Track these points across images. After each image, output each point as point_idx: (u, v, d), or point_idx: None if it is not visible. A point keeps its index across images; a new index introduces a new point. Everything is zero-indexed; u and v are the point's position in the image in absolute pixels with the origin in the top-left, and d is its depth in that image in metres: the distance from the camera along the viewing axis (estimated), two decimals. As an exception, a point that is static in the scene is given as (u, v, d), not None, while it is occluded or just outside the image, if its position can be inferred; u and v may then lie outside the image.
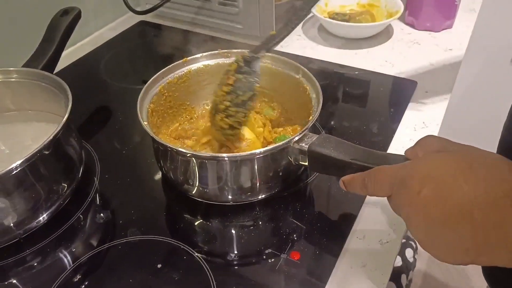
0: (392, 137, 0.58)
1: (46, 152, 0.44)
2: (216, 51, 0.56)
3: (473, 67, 1.26)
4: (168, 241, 0.46)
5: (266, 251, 0.44)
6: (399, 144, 0.57)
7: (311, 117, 0.47)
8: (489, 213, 0.30)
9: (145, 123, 0.47)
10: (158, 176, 0.54)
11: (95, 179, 0.53)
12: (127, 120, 0.63)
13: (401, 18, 0.82)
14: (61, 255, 0.45)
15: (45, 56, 0.57)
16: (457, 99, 1.33)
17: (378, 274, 0.42)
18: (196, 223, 0.49)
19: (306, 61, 0.73)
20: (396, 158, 0.41)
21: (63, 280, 0.43)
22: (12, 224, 0.44)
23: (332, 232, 0.46)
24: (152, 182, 0.54)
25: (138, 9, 0.82)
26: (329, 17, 0.79)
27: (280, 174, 0.47)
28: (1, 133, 0.55)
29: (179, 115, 0.57)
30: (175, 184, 0.49)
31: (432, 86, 0.66)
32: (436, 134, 0.58)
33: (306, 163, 0.45)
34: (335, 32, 0.79)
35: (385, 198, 0.38)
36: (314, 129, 0.55)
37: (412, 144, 0.40)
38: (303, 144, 0.44)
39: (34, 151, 0.42)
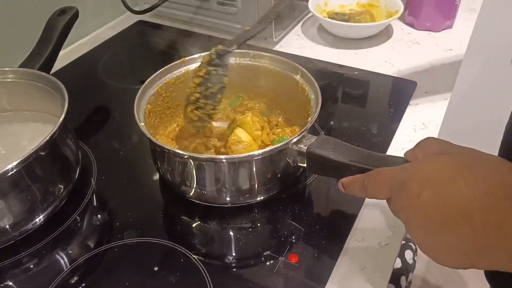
0: (392, 138, 0.57)
1: (42, 153, 0.44)
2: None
3: (474, 67, 1.26)
4: (165, 243, 0.45)
5: (264, 254, 0.44)
6: (398, 145, 0.56)
7: (310, 118, 0.47)
8: (489, 215, 0.30)
9: (142, 124, 0.46)
10: (156, 177, 0.54)
11: (92, 180, 0.53)
12: (125, 120, 0.62)
13: (401, 18, 0.81)
14: (57, 257, 0.45)
15: (42, 56, 0.57)
16: (457, 99, 1.33)
17: (378, 276, 0.42)
18: (193, 225, 0.48)
19: (305, 61, 0.72)
20: (395, 160, 0.40)
21: (59, 283, 0.42)
22: (8, 226, 0.43)
23: (331, 234, 0.46)
24: (149, 184, 0.54)
25: (136, 8, 0.82)
26: (329, 17, 0.79)
27: (279, 176, 0.46)
28: (-2, 133, 0.55)
29: (177, 116, 0.57)
30: (173, 186, 0.49)
31: (432, 86, 0.66)
32: (436, 135, 0.58)
33: (305, 165, 0.45)
34: (334, 32, 0.79)
35: (385, 200, 0.37)
36: (313, 130, 0.55)
37: (411, 145, 0.39)
38: (302, 146, 0.44)
39: (30, 152, 0.42)
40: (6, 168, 0.40)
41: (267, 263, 0.43)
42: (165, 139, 0.53)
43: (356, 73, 0.70)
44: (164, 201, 0.52)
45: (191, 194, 0.48)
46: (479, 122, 1.34)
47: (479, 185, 0.31)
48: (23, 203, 0.44)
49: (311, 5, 0.79)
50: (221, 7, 0.78)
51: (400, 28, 0.81)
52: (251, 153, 0.44)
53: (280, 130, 0.54)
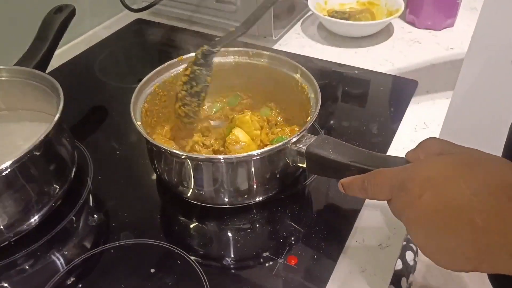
0: (393, 137, 0.57)
1: (37, 153, 0.43)
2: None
3: (475, 66, 1.25)
4: (162, 244, 0.45)
5: (263, 255, 0.43)
6: (399, 145, 0.56)
7: (309, 117, 0.46)
8: (490, 217, 0.29)
9: (139, 123, 0.46)
10: (153, 177, 0.53)
11: (88, 180, 0.52)
12: (122, 120, 0.62)
13: (402, 17, 0.81)
14: (52, 258, 0.44)
15: (38, 55, 0.56)
16: (459, 98, 1.32)
17: (378, 279, 0.41)
18: (191, 226, 0.48)
19: (304, 60, 0.72)
20: (396, 160, 0.40)
21: (54, 285, 0.42)
22: (2, 227, 0.43)
23: (330, 236, 0.45)
24: (146, 184, 0.53)
25: (134, 6, 0.81)
26: (329, 15, 0.78)
27: (278, 176, 0.46)
28: (-7, 133, 0.54)
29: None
30: (170, 186, 0.48)
31: (433, 85, 0.66)
32: (437, 134, 0.57)
33: (304, 165, 0.44)
34: (334, 30, 0.78)
35: (385, 201, 0.37)
36: (312, 130, 0.54)
37: (412, 145, 0.39)
38: (301, 146, 0.44)
39: (24, 152, 0.41)
40: (0, 168, 0.40)
41: (266, 265, 0.42)
42: (162, 139, 0.53)
43: (356, 72, 0.70)
44: (161, 201, 0.51)
45: (188, 194, 0.47)
46: (481, 121, 1.33)
47: (481, 186, 0.30)
48: (17, 203, 0.43)
49: (311, 3, 0.78)
50: (220, 5, 0.78)
51: (400, 27, 0.81)
52: (249, 153, 0.43)
53: (279, 129, 0.53)
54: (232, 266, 0.43)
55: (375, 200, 0.38)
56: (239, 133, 0.49)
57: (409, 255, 0.74)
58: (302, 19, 0.84)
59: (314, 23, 0.83)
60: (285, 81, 0.53)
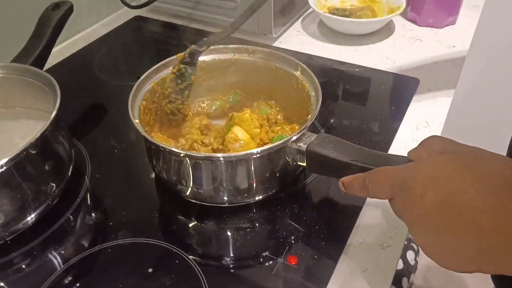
0: (394, 136, 0.56)
1: (33, 151, 0.43)
2: (212, 47, 0.55)
3: (477, 64, 1.25)
4: (160, 244, 0.44)
5: (262, 255, 0.43)
6: (401, 144, 0.55)
7: (310, 115, 0.46)
8: (495, 219, 0.29)
9: (137, 121, 0.45)
10: (151, 176, 0.53)
11: (86, 178, 0.52)
12: (121, 118, 0.61)
13: (403, 14, 0.80)
14: (49, 257, 0.44)
15: (35, 52, 0.55)
16: (461, 97, 1.32)
17: (379, 279, 0.41)
18: (190, 225, 0.47)
19: (305, 58, 0.71)
20: (398, 159, 0.39)
21: (51, 284, 0.41)
22: (-2, 226, 0.42)
23: (331, 235, 0.45)
24: (144, 183, 0.53)
25: (133, 4, 0.81)
26: (329, 13, 0.78)
27: (278, 175, 0.45)
28: (-11, 131, 0.54)
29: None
30: (169, 185, 0.48)
31: (434, 83, 0.65)
32: (439, 133, 0.57)
33: (304, 164, 0.44)
34: (335, 28, 0.77)
35: (387, 200, 0.36)
36: (313, 128, 0.54)
37: (414, 143, 0.38)
38: (301, 144, 0.43)
39: (20, 150, 0.41)
40: (-5, 166, 0.39)
41: (265, 265, 0.42)
42: (160, 137, 0.52)
43: (357, 70, 0.69)
44: (160, 200, 0.51)
45: (187, 193, 0.46)
46: (483, 120, 1.33)
47: (484, 186, 0.30)
48: (13, 201, 0.42)
49: (311, 0, 0.78)
50: (219, 2, 0.77)
51: (402, 24, 0.80)
52: (249, 151, 0.43)
53: (279, 127, 0.53)
54: (231, 266, 0.43)
55: (376, 199, 0.38)
56: (238, 131, 0.48)
57: (410, 255, 0.73)
58: (303, 16, 0.84)
59: (315, 21, 0.82)
60: (285, 79, 0.53)
